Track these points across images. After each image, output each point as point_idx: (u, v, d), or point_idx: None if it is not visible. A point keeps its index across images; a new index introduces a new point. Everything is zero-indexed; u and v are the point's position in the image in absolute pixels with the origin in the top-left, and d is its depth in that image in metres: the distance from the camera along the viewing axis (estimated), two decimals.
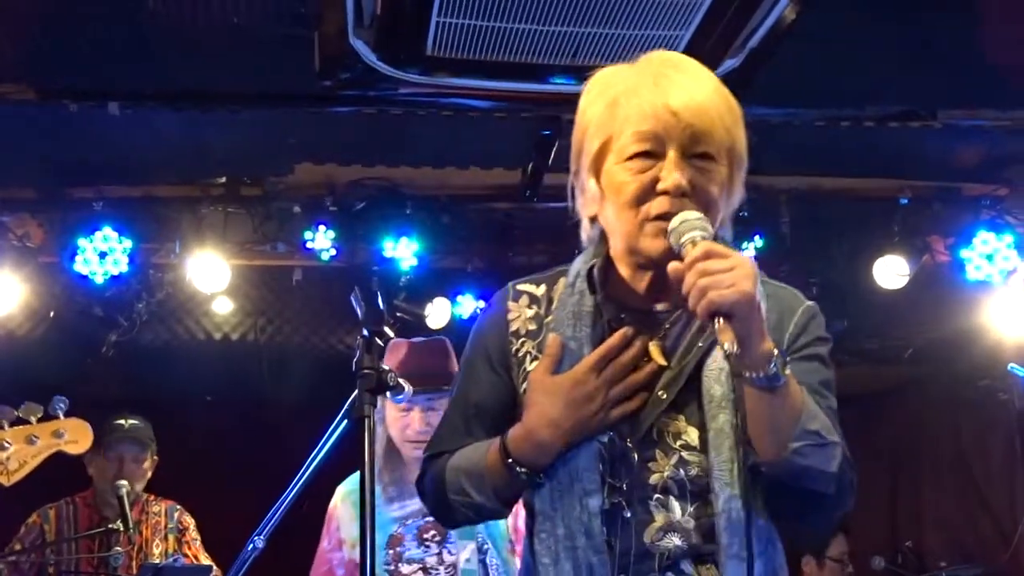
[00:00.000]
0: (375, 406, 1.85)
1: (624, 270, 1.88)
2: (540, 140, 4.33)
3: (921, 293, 5.32)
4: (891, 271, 5.16)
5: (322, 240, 4.88)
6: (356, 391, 1.88)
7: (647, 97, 1.76)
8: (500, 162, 4.79)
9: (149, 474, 4.88)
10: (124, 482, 4.45)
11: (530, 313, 1.93)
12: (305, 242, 4.91)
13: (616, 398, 1.78)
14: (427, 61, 3.72)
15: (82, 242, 4.78)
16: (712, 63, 3.83)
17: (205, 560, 4.74)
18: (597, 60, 3.76)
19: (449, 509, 1.94)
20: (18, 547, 4.66)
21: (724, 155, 1.79)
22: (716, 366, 1.78)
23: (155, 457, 4.90)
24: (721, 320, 1.60)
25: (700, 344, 1.81)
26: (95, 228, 4.79)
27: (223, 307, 5.59)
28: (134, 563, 4.58)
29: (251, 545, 3.33)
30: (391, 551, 3.44)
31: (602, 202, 1.84)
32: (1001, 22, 3.76)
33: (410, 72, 3.77)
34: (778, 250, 5.12)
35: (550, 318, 1.91)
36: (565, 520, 1.79)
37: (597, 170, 1.83)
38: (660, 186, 1.74)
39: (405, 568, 3.41)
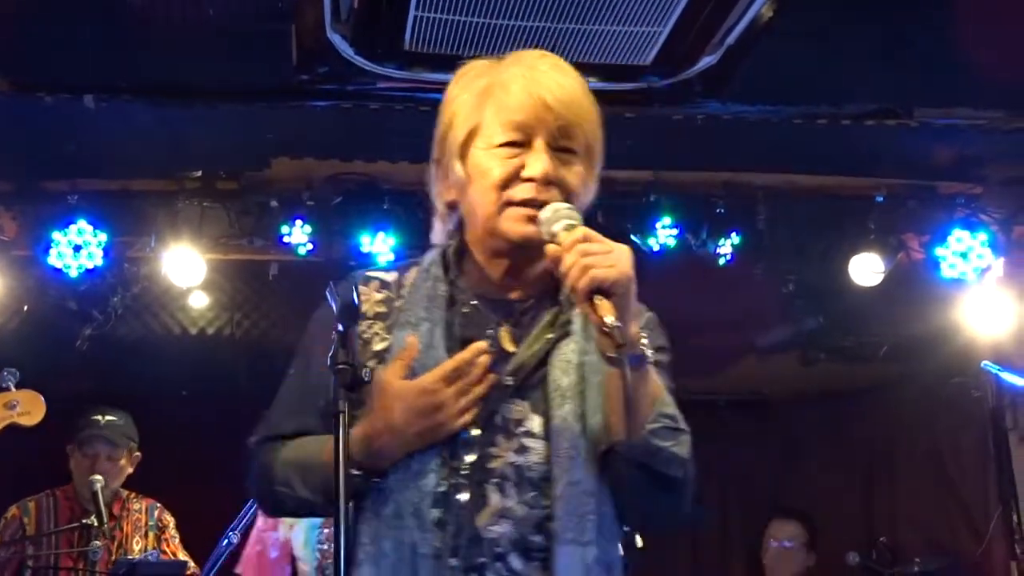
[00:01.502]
0: (350, 402, 1.84)
1: (480, 256, 1.93)
2: None
3: (896, 291, 5.34)
4: (866, 269, 5.18)
5: (299, 235, 4.87)
6: (331, 387, 1.88)
7: (520, 88, 1.83)
8: None
9: (129, 470, 4.86)
10: (99, 477, 4.44)
11: (379, 296, 1.95)
12: (282, 237, 4.90)
13: (463, 409, 1.78)
14: (405, 56, 3.72)
15: (56, 235, 4.75)
16: (690, 60, 3.86)
17: (183, 556, 4.74)
18: (574, 56, 3.76)
19: (275, 499, 1.93)
20: None
21: (585, 152, 1.87)
22: (564, 358, 1.85)
23: (136, 454, 4.88)
24: (602, 297, 1.65)
25: (550, 335, 1.87)
26: (70, 221, 4.76)
27: (199, 301, 5.56)
28: (113, 558, 4.57)
29: (225, 540, 3.34)
30: (325, 530, 3.46)
31: (467, 187, 1.88)
32: (977, 21, 3.77)
33: (388, 67, 3.77)
34: (754, 247, 5.14)
35: (400, 302, 1.92)
36: (396, 498, 1.79)
37: (463, 155, 1.88)
38: (525, 173, 1.81)
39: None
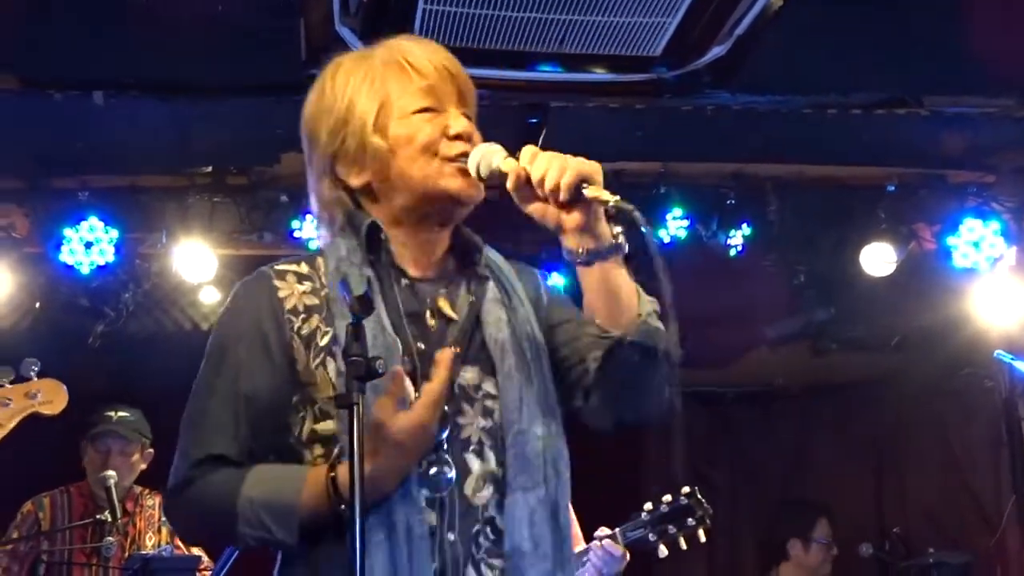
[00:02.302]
0: (363, 392, 1.84)
1: (399, 235, 1.90)
2: (527, 127, 4.33)
3: (908, 281, 5.34)
4: (877, 259, 5.17)
5: (309, 229, 4.86)
6: (344, 379, 1.88)
7: (423, 59, 1.89)
8: None
9: (142, 466, 4.87)
10: (112, 473, 4.44)
11: (304, 288, 1.88)
12: (292, 231, 4.90)
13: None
14: None
15: (68, 232, 4.76)
16: (699, 50, 3.85)
17: (196, 551, 4.74)
18: (583, 47, 3.77)
19: (234, 537, 1.80)
20: (15, 535, 4.66)
21: (474, 118, 1.92)
22: (493, 317, 1.89)
23: (149, 450, 4.89)
24: (587, 185, 1.70)
25: (472, 299, 1.89)
26: (81, 218, 4.77)
27: (210, 297, 5.56)
28: (127, 554, 4.58)
29: None
30: None
31: (391, 159, 1.87)
32: (986, 9, 3.77)
33: None
34: (765, 238, 5.13)
35: (325, 291, 1.86)
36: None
37: (382, 127, 1.87)
38: (451, 131, 1.85)
39: None
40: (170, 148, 4.64)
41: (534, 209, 1.77)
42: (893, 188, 5.20)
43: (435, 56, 1.90)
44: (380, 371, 1.86)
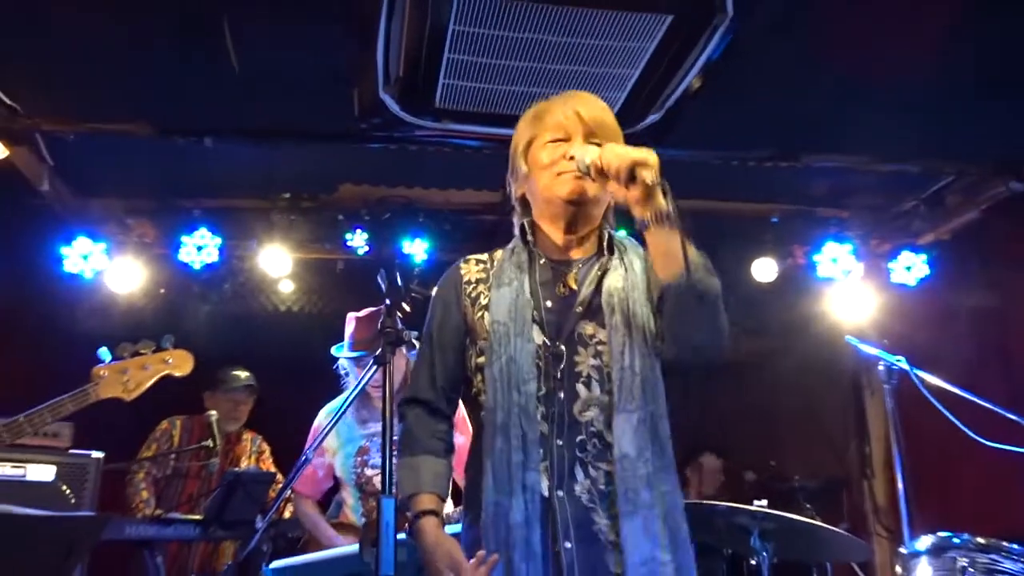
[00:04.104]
0: (395, 355, 1.83)
1: (544, 226, 1.93)
2: None
3: (785, 286, 5.34)
4: (764, 270, 5.18)
5: (358, 240, 4.86)
6: (381, 344, 1.86)
7: (560, 108, 1.90)
8: (488, 185, 4.78)
9: (248, 412, 4.85)
10: (213, 412, 4.41)
11: (477, 268, 1.96)
12: (346, 241, 4.88)
13: None
14: (436, 112, 3.70)
15: (184, 239, 4.75)
16: (640, 116, 3.83)
17: (272, 470, 4.72)
18: None
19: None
20: (154, 446, 4.62)
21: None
22: (609, 287, 1.85)
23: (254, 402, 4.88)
24: (644, 170, 1.66)
25: (599, 274, 1.87)
26: (194, 228, 4.76)
27: (286, 287, 5.54)
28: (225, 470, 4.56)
29: (304, 458, 3.30)
30: (359, 458, 3.43)
31: (529, 175, 1.91)
32: (838, 96, 3.77)
33: (424, 119, 3.75)
34: None
35: (494, 269, 1.93)
36: (505, 407, 1.76)
37: (526, 155, 1.92)
38: (569, 152, 1.84)
39: (369, 471, 3.41)
40: (259, 179, 4.63)
41: (612, 189, 1.75)
42: (776, 219, 5.20)
43: (572, 104, 1.89)
44: (406, 339, 1.86)
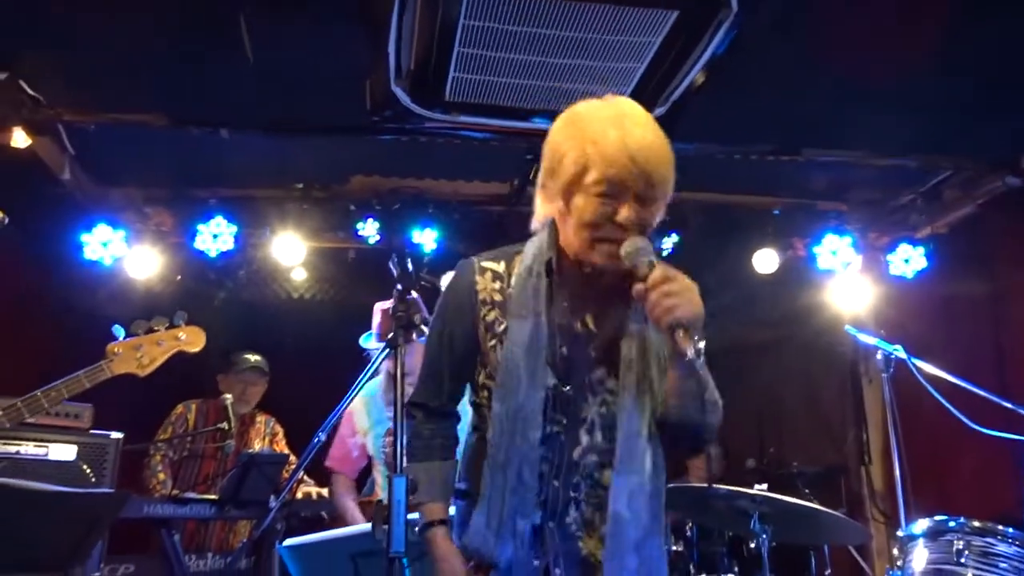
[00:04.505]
0: (406, 341, 1.84)
1: (568, 262, 1.79)
2: (524, 162, 4.32)
3: (786, 277, 5.32)
4: (765, 261, 5.16)
5: (370, 229, 4.86)
6: (392, 328, 1.87)
7: (618, 149, 1.63)
8: (495, 177, 4.78)
9: (261, 394, 4.88)
10: (228, 396, 4.43)
11: (495, 286, 1.82)
12: (357, 231, 4.88)
13: None
14: (446, 104, 3.70)
15: (201, 227, 4.76)
16: (646, 110, 3.82)
17: (286, 452, 4.74)
18: (564, 106, 3.73)
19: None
20: (170, 429, 4.64)
21: (662, 198, 1.70)
22: (630, 338, 1.74)
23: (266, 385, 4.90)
24: (682, 331, 1.54)
25: (621, 318, 1.77)
26: (210, 217, 4.76)
27: (299, 275, 5.56)
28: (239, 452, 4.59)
29: (316, 439, 3.32)
30: (387, 438, 3.47)
31: (566, 217, 1.73)
32: (847, 90, 3.76)
33: (434, 111, 3.74)
34: (687, 244, 5.11)
35: (510, 291, 1.81)
36: (507, 451, 1.72)
37: (567, 192, 1.70)
38: (618, 218, 1.65)
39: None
40: (273, 170, 4.63)
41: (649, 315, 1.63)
42: (778, 212, 5.19)
43: (628, 145, 1.63)
44: (417, 323, 1.87)
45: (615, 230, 1.65)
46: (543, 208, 1.80)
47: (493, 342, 1.79)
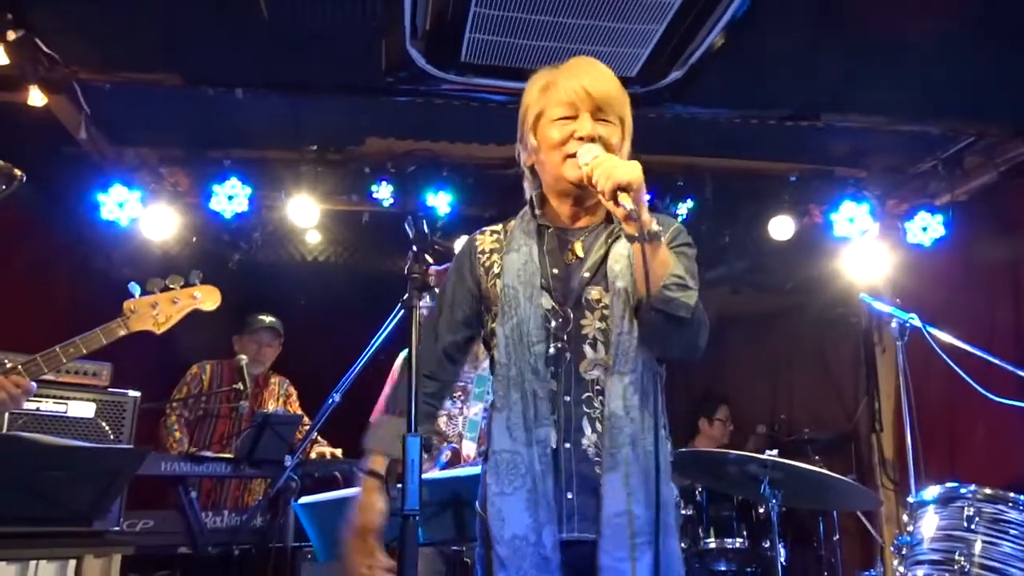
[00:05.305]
0: (421, 300, 1.85)
1: (552, 200, 1.98)
2: None
3: (801, 244, 5.29)
4: (781, 228, 5.13)
5: (384, 192, 4.84)
6: (407, 290, 1.88)
7: (568, 82, 1.88)
8: (511, 140, 4.66)
9: (275, 355, 4.92)
10: (243, 357, 4.48)
11: (491, 239, 2.02)
12: (371, 193, 4.86)
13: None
14: (462, 66, 3.68)
15: (216, 188, 4.75)
16: (663, 74, 3.79)
17: (299, 412, 4.80)
18: None
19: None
20: (184, 390, 4.70)
21: (618, 121, 1.89)
22: (616, 254, 1.88)
23: (280, 346, 4.94)
24: (623, 192, 1.66)
25: (608, 242, 1.90)
26: (225, 178, 4.76)
27: (313, 238, 5.56)
28: (254, 412, 4.64)
29: (331, 400, 3.36)
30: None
31: (538, 151, 1.93)
32: (867, 52, 3.70)
33: (449, 73, 3.72)
34: (703, 211, 5.08)
35: (506, 240, 1.98)
36: (517, 364, 1.83)
37: (535, 128, 1.92)
38: (577, 134, 1.85)
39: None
40: (288, 131, 4.61)
41: (600, 198, 1.75)
42: (794, 178, 5.14)
43: (580, 79, 1.87)
44: (431, 284, 1.88)
45: (577, 144, 1.84)
46: (523, 157, 2.01)
47: (492, 281, 1.94)
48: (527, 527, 1.74)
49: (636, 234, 1.68)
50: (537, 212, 1.97)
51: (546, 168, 1.93)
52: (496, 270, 1.95)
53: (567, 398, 1.81)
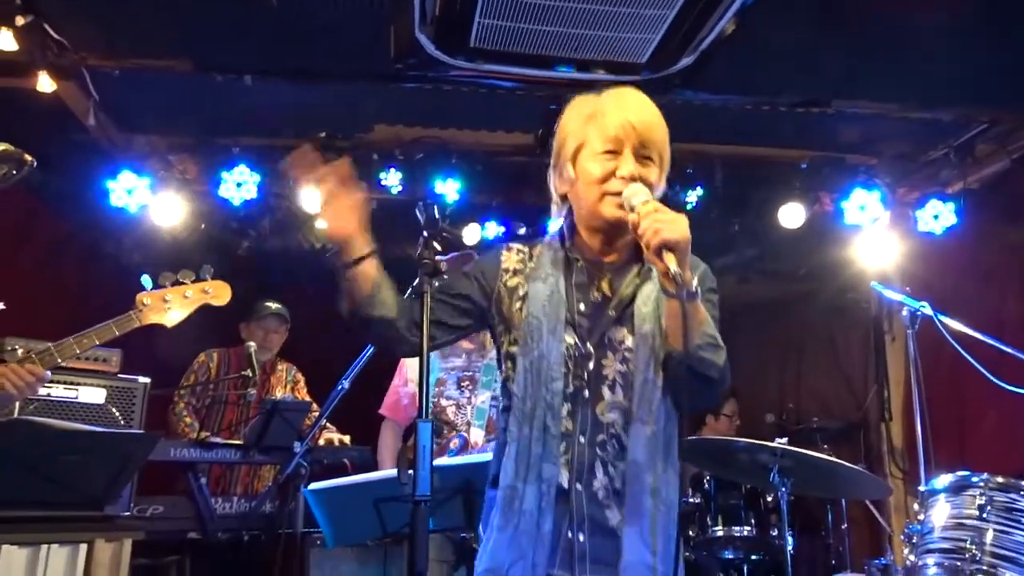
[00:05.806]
0: (432, 285, 1.85)
1: (584, 233, 1.95)
2: (548, 111, 4.27)
3: (812, 232, 5.27)
4: (791, 215, 5.10)
5: (392, 179, 4.84)
6: (417, 276, 1.88)
7: (615, 116, 1.85)
8: (519, 127, 4.73)
9: (282, 341, 4.93)
10: (252, 344, 4.49)
11: (517, 258, 1.98)
12: (380, 180, 4.85)
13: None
14: (471, 52, 3.66)
15: (224, 175, 4.75)
16: (673, 60, 3.77)
17: (308, 399, 4.81)
18: (590, 55, 3.69)
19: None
20: (192, 378, 4.72)
21: (658, 160, 1.87)
22: (646, 294, 1.87)
23: (287, 332, 4.95)
24: (668, 252, 1.66)
25: (636, 281, 1.89)
26: (233, 165, 4.75)
27: (323, 225, 5.55)
28: (262, 399, 4.66)
29: (339, 387, 3.37)
30: (437, 389, 3.50)
31: (575, 183, 1.90)
32: (879, 39, 3.68)
33: (458, 59, 3.71)
34: (713, 198, 5.06)
35: (532, 263, 1.96)
36: (533, 398, 1.81)
37: (575, 160, 1.89)
38: (618, 172, 1.83)
39: (444, 402, 3.48)
40: (296, 117, 4.60)
41: (644, 250, 1.73)
42: (805, 165, 5.10)
43: (627, 113, 1.84)
44: (442, 270, 1.88)
45: (619, 183, 1.82)
46: (555, 185, 1.97)
47: (518, 304, 1.91)
48: (499, 562, 1.75)
49: (675, 292, 1.67)
50: (567, 243, 1.94)
51: (582, 202, 1.90)
52: (521, 293, 1.92)
53: (581, 439, 1.79)
